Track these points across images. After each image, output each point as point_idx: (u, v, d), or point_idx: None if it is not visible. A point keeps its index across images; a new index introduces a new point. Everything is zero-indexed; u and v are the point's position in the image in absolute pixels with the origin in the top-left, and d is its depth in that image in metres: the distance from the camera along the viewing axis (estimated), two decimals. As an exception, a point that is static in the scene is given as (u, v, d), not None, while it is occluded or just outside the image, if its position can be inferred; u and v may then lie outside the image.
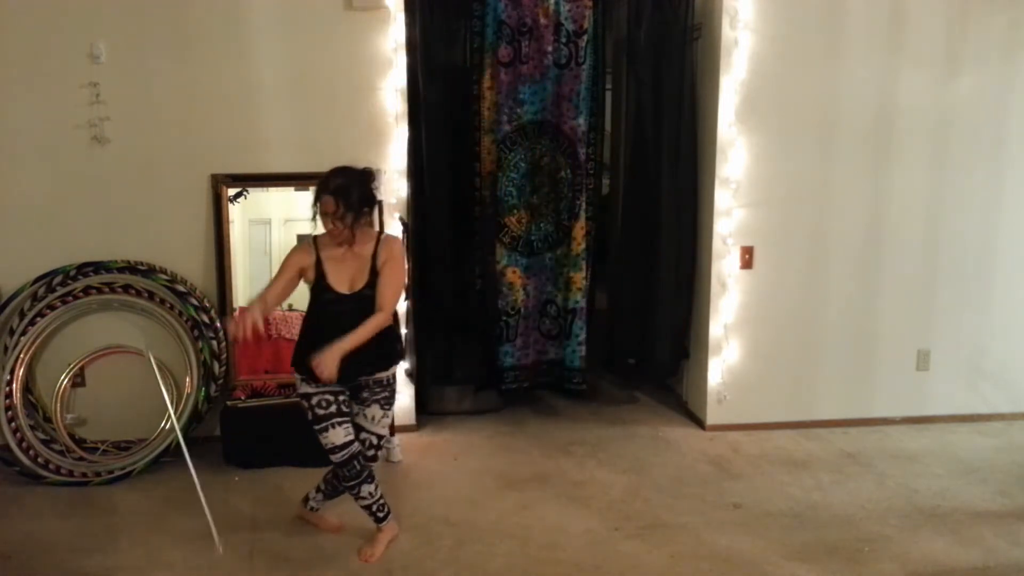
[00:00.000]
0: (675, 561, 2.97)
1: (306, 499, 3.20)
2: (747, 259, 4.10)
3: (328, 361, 2.63)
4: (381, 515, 3.00)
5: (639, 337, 4.36)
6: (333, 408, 2.83)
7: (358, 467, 2.86)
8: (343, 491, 3.01)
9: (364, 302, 2.78)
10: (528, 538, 3.11)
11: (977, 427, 4.30)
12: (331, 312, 2.79)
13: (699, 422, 4.31)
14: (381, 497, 2.98)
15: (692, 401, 4.47)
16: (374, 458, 2.98)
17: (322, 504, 3.18)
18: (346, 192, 2.74)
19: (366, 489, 2.92)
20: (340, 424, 2.84)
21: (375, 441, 2.97)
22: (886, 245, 4.18)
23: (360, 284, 2.80)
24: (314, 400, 2.83)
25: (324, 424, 2.82)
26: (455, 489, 3.56)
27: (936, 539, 3.13)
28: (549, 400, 4.54)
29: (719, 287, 4.11)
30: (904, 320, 4.26)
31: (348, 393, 2.90)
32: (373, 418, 2.95)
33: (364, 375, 2.88)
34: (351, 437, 2.86)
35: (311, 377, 2.76)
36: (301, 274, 2.85)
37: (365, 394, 2.92)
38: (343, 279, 2.81)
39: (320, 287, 2.81)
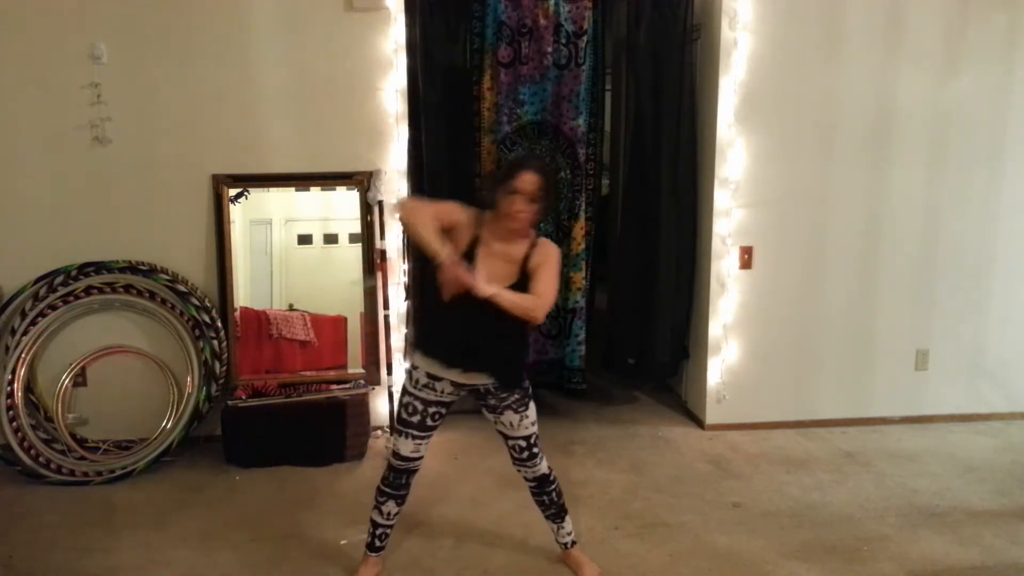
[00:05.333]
0: (674, 560, 2.98)
1: (560, 544, 2.91)
2: (746, 259, 4.11)
3: (462, 275, 2.35)
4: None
5: (639, 337, 4.37)
6: (416, 419, 2.63)
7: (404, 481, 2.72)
8: (559, 500, 2.82)
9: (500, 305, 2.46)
10: (528, 538, 3.12)
11: (976, 427, 4.31)
12: (460, 302, 2.43)
13: (698, 422, 4.32)
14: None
15: (691, 401, 4.48)
16: (531, 458, 2.72)
17: (566, 531, 2.88)
18: (548, 176, 2.52)
19: None
20: (411, 437, 2.64)
21: (523, 444, 2.70)
22: (885, 245, 4.19)
23: (513, 281, 2.50)
24: (404, 399, 2.64)
25: (402, 430, 2.64)
26: (455, 489, 3.57)
27: (935, 538, 3.14)
28: (549, 400, 4.55)
29: (718, 287, 4.12)
30: (903, 320, 4.27)
31: (447, 406, 2.66)
32: (511, 424, 2.67)
33: (468, 367, 2.57)
34: (418, 454, 2.68)
35: (425, 347, 2.57)
36: (450, 227, 2.52)
37: (492, 401, 2.65)
38: (486, 272, 2.48)
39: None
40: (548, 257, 2.54)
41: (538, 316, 2.48)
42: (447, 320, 2.54)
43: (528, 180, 2.45)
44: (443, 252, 2.38)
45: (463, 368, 2.57)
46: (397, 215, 2.46)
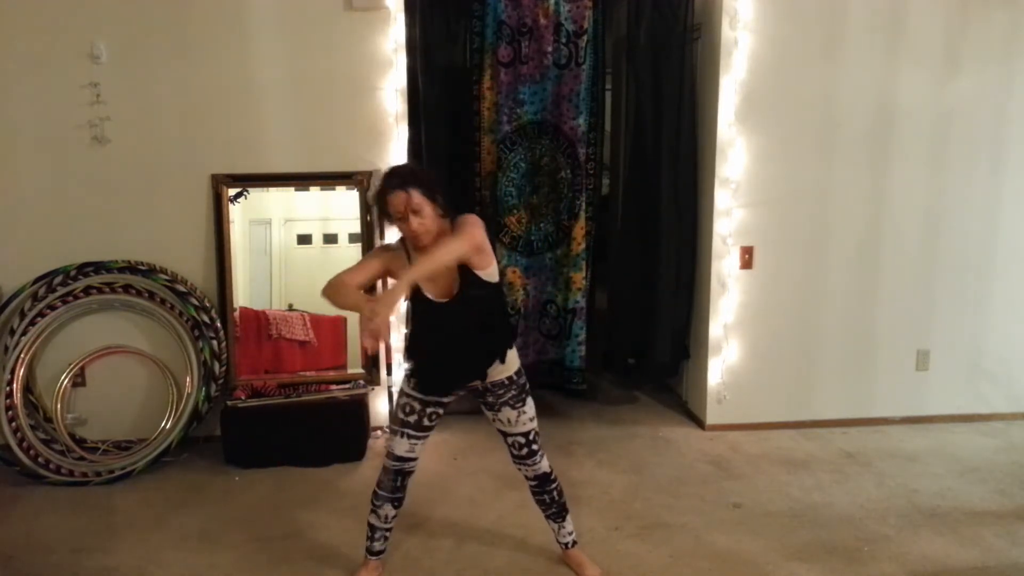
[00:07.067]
0: (675, 561, 2.98)
1: (561, 544, 2.91)
2: (747, 259, 4.11)
3: (381, 308, 2.27)
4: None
5: (639, 337, 4.36)
6: (413, 419, 2.64)
7: (399, 483, 2.71)
8: (560, 499, 2.82)
9: (469, 303, 2.49)
10: (528, 538, 3.11)
11: (976, 427, 4.30)
12: (433, 320, 2.53)
13: (699, 422, 4.32)
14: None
15: (692, 401, 4.47)
16: (530, 455, 2.72)
17: (567, 530, 2.87)
18: (413, 179, 2.42)
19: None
20: (407, 436, 2.65)
21: (523, 441, 2.70)
22: (886, 245, 4.18)
23: (457, 288, 2.50)
24: (402, 400, 2.66)
25: (398, 429, 2.66)
26: (455, 489, 3.57)
27: (935, 539, 3.14)
28: (549, 400, 4.54)
29: (719, 287, 4.11)
30: (904, 320, 4.26)
31: (444, 406, 2.67)
32: (509, 421, 2.68)
33: (467, 382, 2.63)
34: (413, 454, 2.68)
35: (418, 384, 2.62)
36: (386, 271, 2.58)
37: (489, 398, 2.66)
38: (439, 288, 2.52)
39: (417, 297, 2.53)
40: (460, 223, 2.49)
41: (473, 234, 2.42)
42: (436, 350, 2.54)
43: (398, 202, 2.39)
44: (364, 307, 2.33)
45: (470, 382, 2.62)
46: (333, 294, 2.49)
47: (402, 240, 2.56)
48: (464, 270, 2.49)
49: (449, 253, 2.40)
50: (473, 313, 2.51)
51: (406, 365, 2.75)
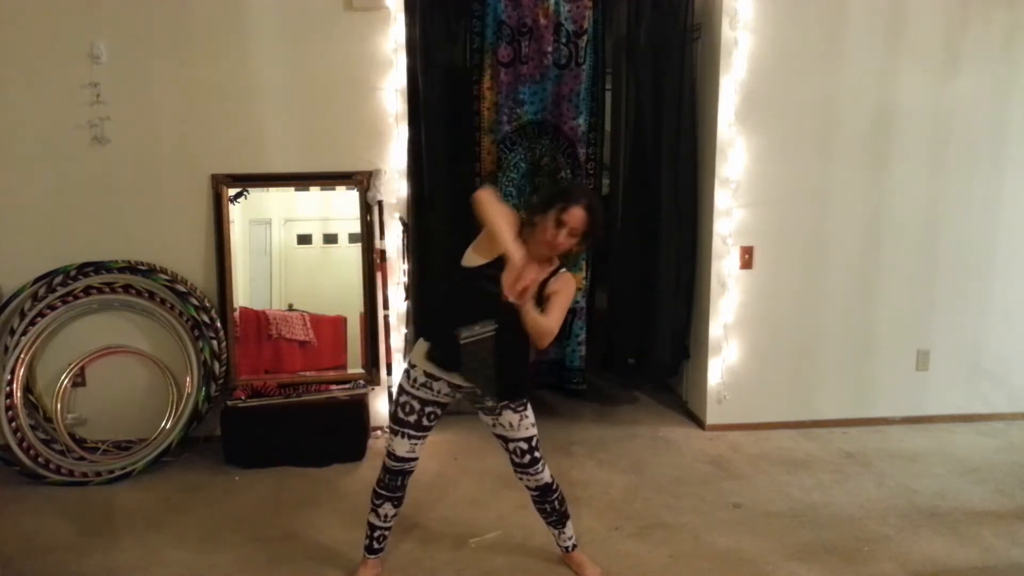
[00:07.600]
0: (674, 561, 2.98)
1: (561, 548, 2.91)
2: (747, 259, 4.11)
3: (526, 275, 2.31)
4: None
5: (639, 337, 4.36)
6: (413, 418, 2.65)
7: (399, 482, 2.72)
8: (561, 508, 2.81)
9: (510, 315, 2.43)
10: (528, 539, 3.11)
11: (976, 427, 4.30)
12: (483, 306, 2.47)
13: (699, 422, 4.32)
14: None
15: (692, 401, 4.47)
16: (533, 463, 2.71)
17: (567, 535, 2.87)
18: (597, 215, 2.51)
19: None
20: (407, 437, 2.66)
21: (524, 447, 2.68)
22: (886, 245, 4.18)
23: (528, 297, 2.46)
24: (401, 399, 2.66)
25: (398, 429, 2.66)
26: (455, 489, 3.57)
27: (935, 539, 3.14)
28: (549, 400, 4.54)
29: (719, 287, 4.11)
30: (904, 320, 4.26)
31: (443, 407, 2.68)
32: (511, 425, 2.67)
33: (480, 395, 2.65)
34: (413, 454, 2.69)
35: (433, 351, 2.59)
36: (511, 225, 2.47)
37: (490, 402, 2.66)
38: (506, 284, 2.46)
39: (488, 273, 2.47)
40: (564, 288, 2.55)
41: (545, 342, 2.48)
42: (469, 335, 2.49)
43: (577, 216, 2.47)
44: (518, 253, 2.33)
45: (465, 378, 2.59)
46: (478, 200, 2.44)
47: (523, 225, 2.55)
48: (542, 291, 2.51)
49: (551, 327, 2.46)
50: (517, 325, 2.44)
51: (408, 360, 2.72)
